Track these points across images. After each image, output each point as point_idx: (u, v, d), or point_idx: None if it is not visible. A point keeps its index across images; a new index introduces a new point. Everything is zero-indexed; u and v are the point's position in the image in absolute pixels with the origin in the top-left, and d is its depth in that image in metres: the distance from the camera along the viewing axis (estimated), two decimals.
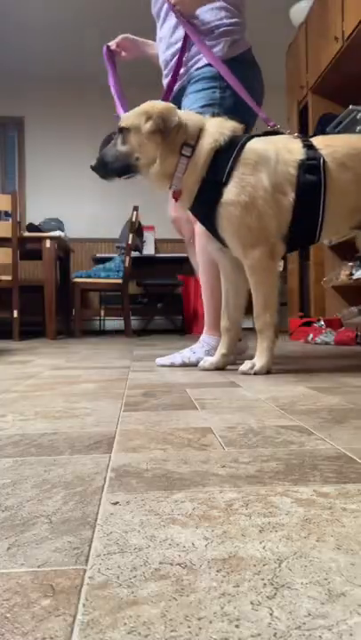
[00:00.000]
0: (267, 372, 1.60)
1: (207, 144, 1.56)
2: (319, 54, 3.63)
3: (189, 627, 0.31)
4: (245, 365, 1.63)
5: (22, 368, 1.89)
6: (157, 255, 5.51)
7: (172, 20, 1.95)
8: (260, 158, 1.55)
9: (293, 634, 0.30)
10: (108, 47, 2.25)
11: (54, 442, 0.77)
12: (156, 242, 5.75)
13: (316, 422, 0.88)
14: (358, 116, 3.27)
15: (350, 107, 3.31)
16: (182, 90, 2.00)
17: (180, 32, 1.93)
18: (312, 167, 1.54)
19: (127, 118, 1.63)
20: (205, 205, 1.61)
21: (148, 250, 5.54)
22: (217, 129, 1.59)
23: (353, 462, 0.65)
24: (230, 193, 1.54)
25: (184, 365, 1.89)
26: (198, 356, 1.91)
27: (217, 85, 1.84)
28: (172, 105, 1.62)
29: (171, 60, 1.99)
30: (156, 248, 5.71)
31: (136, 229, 4.56)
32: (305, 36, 3.93)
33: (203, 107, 1.84)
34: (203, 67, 1.89)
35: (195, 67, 1.93)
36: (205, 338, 1.98)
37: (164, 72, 2.07)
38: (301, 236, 1.65)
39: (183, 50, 1.94)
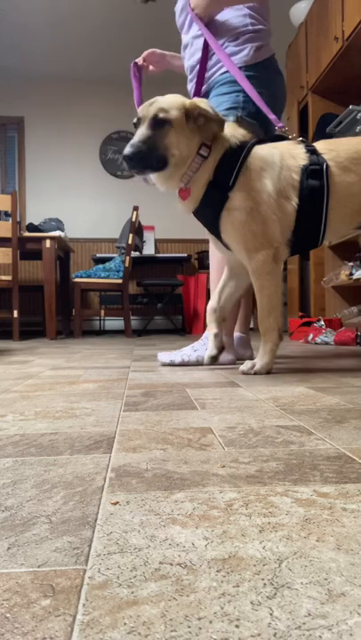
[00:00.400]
0: (267, 372, 1.60)
1: (220, 147, 1.57)
2: (319, 54, 3.63)
3: (189, 627, 0.31)
4: (246, 365, 1.63)
5: (22, 368, 1.89)
6: (157, 255, 5.51)
7: (197, 27, 1.96)
8: (266, 164, 1.56)
9: (293, 634, 0.30)
10: (135, 63, 2.25)
11: (54, 442, 0.77)
12: (156, 242, 5.75)
13: (316, 422, 0.88)
14: (358, 116, 3.27)
15: (350, 107, 3.30)
16: (206, 94, 2.02)
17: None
18: (315, 172, 1.56)
19: (170, 109, 1.55)
20: (210, 208, 1.61)
21: (148, 250, 5.54)
22: (230, 133, 1.60)
23: (353, 462, 0.65)
24: (236, 198, 1.55)
25: (183, 364, 1.90)
26: (198, 354, 1.91)
27: (241, 89, 1.84)
28: (206, 101, 1.61)
29: (196, 66, 2.01)
30: (156, 248, 5.71)
31: (136, 229, 4.56)
32: (305, 35, 3.93)
33: (227, 109, 1.86)
34: (227, 71, 1.90)
35: (219, 71, 1.95)
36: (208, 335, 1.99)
37: (189, 77, 2.09)
38: (305, 240, 1.65)
39: (205, 55, 1.95)
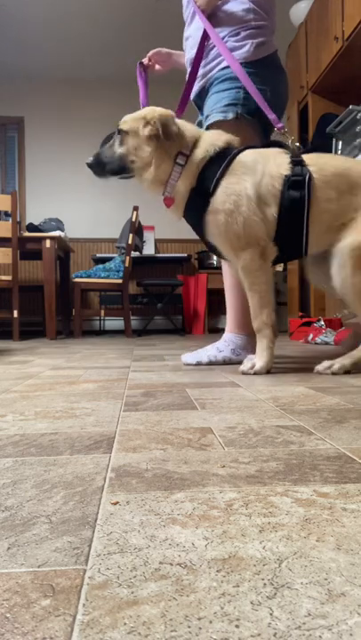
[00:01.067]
0: (267, 371, 1.61)
1: (199, 155, 1.61)
2: (319, 54, 3.63)
3: (189, 627, 0.31)
4: (245, 365, 1.63)
5: (22, 368, 1.89)
6: (157, 255, 5.51)
7: (199, 20, 1.96)
8: (247, 169, 1.58)
9: (293, 634, 0.30)
10: (141, 63, 2.27)
11: (54, 442, 0.77)
12: (156, 242, 5.76)
13: (316, 422, 0.88)
14: (358, 116, 3.27)
15: (350, 107, 3.31)
16: (204, 91, 2.02)
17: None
18: (297, 183, 1.56)
19: (126, 121, 1.68)
20: (195, 213, 1.65)
21: (148, 250, 5.54)
22: (210, 141, 1.63)
23: (353, 462, 0.65)
24: (216, 201, 1.58)
25: (210, 364, 1.92)
26: (225, 354, 1.94)
27: (241, 86, 1.84)
28: (171, 112, 1.67)
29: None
30: (156, 248, 5.72)
31: (136, 229, 4.56)
32: (305, 36, 3.93)
33: (226, 106, 1.87)
34: (227, 67, 1.90)
35: (218, 67, 1.94)
36: (231, 336, 2.01)
37: (189, 70, 2.07)
38: (288, 249, 1.65)
39: (201, 48, 1.95)
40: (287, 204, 1.56)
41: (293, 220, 1.58)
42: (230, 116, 1.83)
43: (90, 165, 1.73)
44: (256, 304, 1.63)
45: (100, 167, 1.71)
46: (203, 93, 2.03)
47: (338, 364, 1.61)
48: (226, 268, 2.02)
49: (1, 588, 0.36)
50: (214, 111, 1.89)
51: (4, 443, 0.77)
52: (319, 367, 1.63)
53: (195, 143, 1.63)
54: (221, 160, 1.60)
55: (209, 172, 1.60)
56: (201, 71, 2.00)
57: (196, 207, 1.63)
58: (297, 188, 1.55)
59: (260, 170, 1.58)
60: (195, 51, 1.98)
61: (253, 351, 1.87)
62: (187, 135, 1.63)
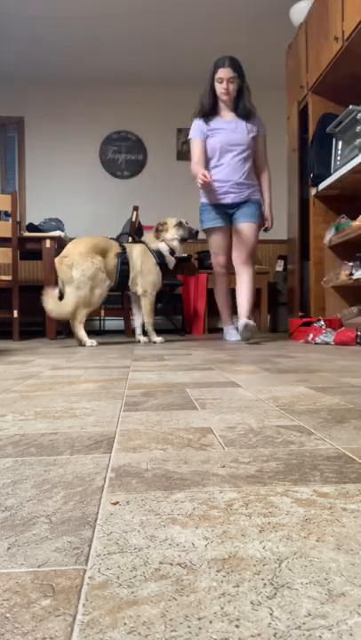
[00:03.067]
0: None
1: None
2: (319, 54, 3.63)
3: (189, 627, 0.31)
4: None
5: (22, 368, 1.89)
6: None
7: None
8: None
9: (293, 634, 0.30)
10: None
11: (54, 442, 0.77)
12: None
13: (316, 422, 0.88)
14: (358, 116, 3.27)
15: (350, 107, 3.31)
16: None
17: None
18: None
19: None
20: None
21: None
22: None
23: (353, 462, 0.65)
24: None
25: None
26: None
27: None
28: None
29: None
30: None
31: (136, 229, 4.56)
32: (305, 36, 3.93)
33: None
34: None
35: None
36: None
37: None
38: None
39: None
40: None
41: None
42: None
43: None
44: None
45: None
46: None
47: None
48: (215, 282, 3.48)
49: (1, 588, 0.36)
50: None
51: (3, 443, 0.77)
52: None
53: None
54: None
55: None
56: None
57: None
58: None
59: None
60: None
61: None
62: None
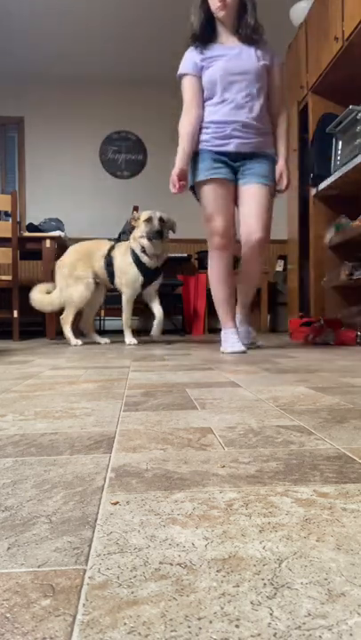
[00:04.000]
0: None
1: None
2: (319, 54, 3.63)
3: (189, 627, 0.31)
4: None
5: (22, 368, 1.89)
6: None
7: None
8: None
9: (293, 634, 0.30)
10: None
11: (54, 442, 0.77)
12: None
13: (316, 422, 0.88)
14: (358, 116, 3.27)
15: (350, 107, 3.31)
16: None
17: None
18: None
19: None
20: None
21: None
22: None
23: (353, 462, 0.65)
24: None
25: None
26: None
27: None
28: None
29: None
30: None
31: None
32: (305, 36, 3.93)
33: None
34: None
35: None
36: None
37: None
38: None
39: None
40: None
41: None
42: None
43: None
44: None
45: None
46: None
47: None
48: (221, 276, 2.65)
49: (1, 588, 0.36)
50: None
51: (3, 443, 0.77)
52: None
53: None
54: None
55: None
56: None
57: None
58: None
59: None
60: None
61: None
62: None
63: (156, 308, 3.46)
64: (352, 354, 2.45)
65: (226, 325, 2.66)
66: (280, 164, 2.60)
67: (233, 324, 2.64)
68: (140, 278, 3.29)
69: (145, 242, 3.22)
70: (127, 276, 3.30)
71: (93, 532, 0.45)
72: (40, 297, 3.44)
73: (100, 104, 5.91)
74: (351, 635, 0.30)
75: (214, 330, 5.32)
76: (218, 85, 2.50)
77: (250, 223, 2.51)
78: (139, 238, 3.25)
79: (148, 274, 3.31)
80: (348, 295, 3.84)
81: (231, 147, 2.52)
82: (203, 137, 2.57)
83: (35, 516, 0.49)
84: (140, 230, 3.24)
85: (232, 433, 0.81)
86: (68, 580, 0.37)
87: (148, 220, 3.22)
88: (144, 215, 3.27)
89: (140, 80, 5.81)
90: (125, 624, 0.31)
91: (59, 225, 4.78)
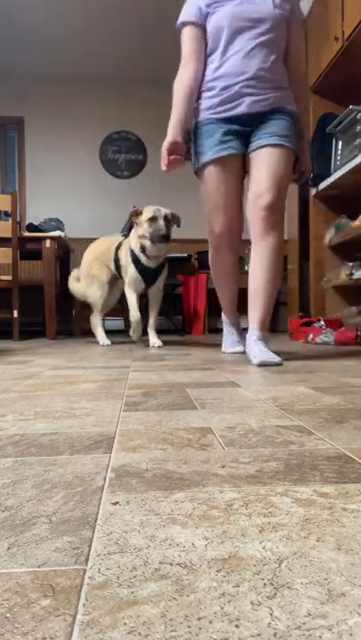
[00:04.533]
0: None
1: None
2: (319, 54, 3.63)
3: (189, 627, 0.31)
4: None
5: (22, 368, 1.89)
6: None
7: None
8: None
9: (293, 634, 0.30)
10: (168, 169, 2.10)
11: (54, 442, 0.77)
12: None
13: (316, 422, 0.88)
14: (358, 116, 3.27)
15: (350, 107, 3.31)
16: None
17: None
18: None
19: None
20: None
21: None
22: None
23: (353, 462, 0.65)
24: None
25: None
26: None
27: None
28: None
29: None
30: None
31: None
32: (305, 36, 3.93)
33: None
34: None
35: None
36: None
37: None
38: None
39: None
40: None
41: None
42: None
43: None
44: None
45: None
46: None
47: None
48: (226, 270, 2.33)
49: (1, 588, 0.36)
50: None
51: (3, 443, 0.77)
52: None
53: None
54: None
55: None
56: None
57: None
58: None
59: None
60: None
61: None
62: None
63: (152, 313, 3.28)
64: (352, 354, 2.45)
65: (229, 319, 2.48)
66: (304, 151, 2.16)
67: (235, 318, 2.48)
68: (140, 278, 3.10)
69: (147, 243, 2.94)
70: (128, 275, 3.14)
71: (93, 532, 0.45)
72: (74, 286, 3.54)
73: (100, 104, 5.91)
74: (351, 635, 0.30)
75: (214, 330, 5.31)
76: (224, 33, 2.03)
77: (260, 182, 2.00)
78: (140, 238, 2.95)
79: (147, 274, 3.11)
80: (349, 295, 3.84)
81: (242, 108, 2.03)
82: (205, 103, 2.10)
83: (35, 516, 0.49)
84: (143, 229, 2.92)
85: (232, 433, 0.81)
86: (68, 580, 0.37)
87: (153, 220, 2.88)
88: (147, 212, 2.91)
89: (140, 80, 5.81)
90: (125, 624, 0.31)
91: (59, 225, 4.78)
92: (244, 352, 2.32)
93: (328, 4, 3.42)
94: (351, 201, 3.81)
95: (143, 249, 2.97)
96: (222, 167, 2.08)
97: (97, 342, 3.44)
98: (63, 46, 5.15)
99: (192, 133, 2.16)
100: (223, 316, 2.50)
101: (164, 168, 2.08)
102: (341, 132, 3.54)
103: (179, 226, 3.07)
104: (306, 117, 2.20)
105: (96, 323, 3.46)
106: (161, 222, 2.87)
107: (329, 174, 3.67)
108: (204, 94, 2.11)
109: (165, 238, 2.84)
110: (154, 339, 3.18)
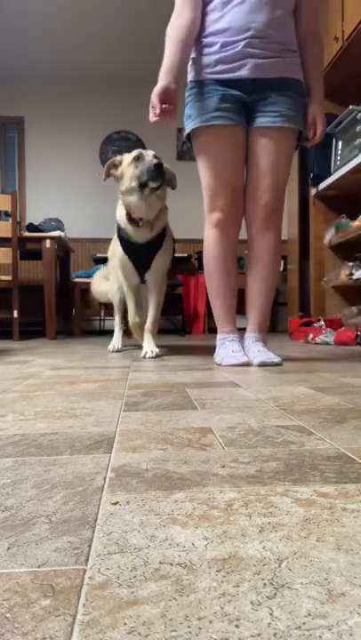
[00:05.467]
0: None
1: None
2: None
3: (189, 627, 0.31)
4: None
5: (22, 368, 1.89)
6: None
7: None
8: None
9: (293, 634, 0.30)
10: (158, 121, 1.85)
11: (54, 442, 0.77)
12: None
13: (316, 422, 0.88)
14: (358, 116, 3.27)
15: (350, 107, 3.31)
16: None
17: None
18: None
19: None
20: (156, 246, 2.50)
21: None
22: None
23: (353, 462, 0.65)
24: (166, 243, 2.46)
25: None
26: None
27: None
28: None
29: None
30: None
31: None
32: None
33: None
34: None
35: None
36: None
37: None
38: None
39: None
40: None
41: None
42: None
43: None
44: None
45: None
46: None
47: None
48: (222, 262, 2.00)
49: (1, 588, 0.36)
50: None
51: (3, 443, 0.77)
52: None
53: None
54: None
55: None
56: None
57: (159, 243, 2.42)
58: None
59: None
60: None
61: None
62: None
63: (150, 309, 2.45)
64: (352, 354, 2.45)
65: (224, 327, 2.06)
66: (314, 107, 1.93)
67: (232, 326, 2.05)
68: (129, 262, 2.29)
69: (133, 199, 2.14)
70: (115, 261, 2.43)
71: (93, 532, 0.45)
72: (101, 288, 3.08)
73: (100, 104, 5.91)
74: (351, 635, 0.30)
75: (214, 330, 5.31)
76: None
77: (260, 179, 1.89)
78: (124, 195, 2.18)
79: (138, 252, 2.27)
80: (349, 295, 3.84)
81: (245, 71, 1.80)
82: (203, 60, 1.85)
83: (35, 516, 0.49)
84: (128, 177, 2.12)
85: (232, 433, 0.81)
86: (68, 580, 0.37)
87: (138, 159, 2.12)
88: (129, 155, 2.17)
89: (140, 80, 5.80)
90: (125, 624, 0.31)
91: (59, 225, 4.79)
92: (248, 364, 1.88)
93: (328, 4, 3.42)
94: (351, 201, 3.81)
95: (129, 215, 2.21)
96: (218, 135, 1.86)
97: (97, 349, 3.35)
98: (63, 46, 5.15)
99: (185, 94, 1.91)
100: (219, 332, 2.09)
101: (154, 119, 1.81)
102: (341, 132, 3.54)
103: (173, 187, 2.29)
104: (316, 69, 1.95)
105: (116, 322, 2.91)
106: (150, 157, 2.13)
107: (329, 174, 3.67)
108: (203, 50, 1.86)
109: (159, 171, 2.06)
110: (149, 345, 2.35)
